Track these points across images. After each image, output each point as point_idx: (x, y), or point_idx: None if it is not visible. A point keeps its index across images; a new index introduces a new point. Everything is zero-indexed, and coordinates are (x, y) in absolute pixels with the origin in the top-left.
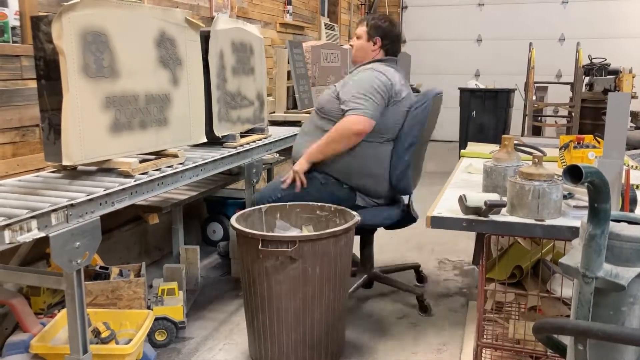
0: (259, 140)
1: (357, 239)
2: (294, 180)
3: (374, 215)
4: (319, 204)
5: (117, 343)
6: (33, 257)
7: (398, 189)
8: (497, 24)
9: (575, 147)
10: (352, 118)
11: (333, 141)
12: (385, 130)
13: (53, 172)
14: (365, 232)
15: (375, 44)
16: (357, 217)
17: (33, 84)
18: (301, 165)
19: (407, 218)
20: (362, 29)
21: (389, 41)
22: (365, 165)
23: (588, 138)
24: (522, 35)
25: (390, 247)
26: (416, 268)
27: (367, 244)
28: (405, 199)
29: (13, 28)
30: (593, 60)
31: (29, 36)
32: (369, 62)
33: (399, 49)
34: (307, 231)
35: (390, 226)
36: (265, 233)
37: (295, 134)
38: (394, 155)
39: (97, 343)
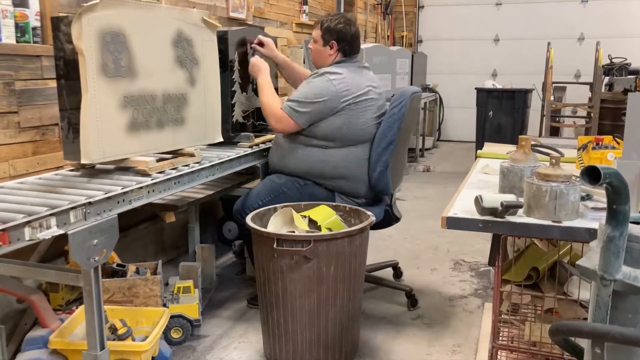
0: (274, 139)
1: None
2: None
3: None
4: (334, 203)
5: (133, 340)
6: (52, 254)
7: (377, 189)
8: (515, 23)
9: (594, 148)
10: (279, 113)
11: (265, 105)
12: (353, 137)
13: (72, 170)
14: None
15: (331, 47)
16: (372, 217)
17: (53, 84)
18: (260, 69)
19: (389, 218)
20: (317, 33)
21: (345, 43)
22: (338, 167)
23: (607, 139)
24: (540, 34)
25: (404, 247)
26: (394, 265)
27: None
28: (388, 198)
29: (34, 28)
30: (613, 60)
31: (49, 37)
32: (328, 66)
33: (357, 48)
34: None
35: (373, 226)
36: (280, 232)
37: None
38: (372, 155)
39: (114, 340)
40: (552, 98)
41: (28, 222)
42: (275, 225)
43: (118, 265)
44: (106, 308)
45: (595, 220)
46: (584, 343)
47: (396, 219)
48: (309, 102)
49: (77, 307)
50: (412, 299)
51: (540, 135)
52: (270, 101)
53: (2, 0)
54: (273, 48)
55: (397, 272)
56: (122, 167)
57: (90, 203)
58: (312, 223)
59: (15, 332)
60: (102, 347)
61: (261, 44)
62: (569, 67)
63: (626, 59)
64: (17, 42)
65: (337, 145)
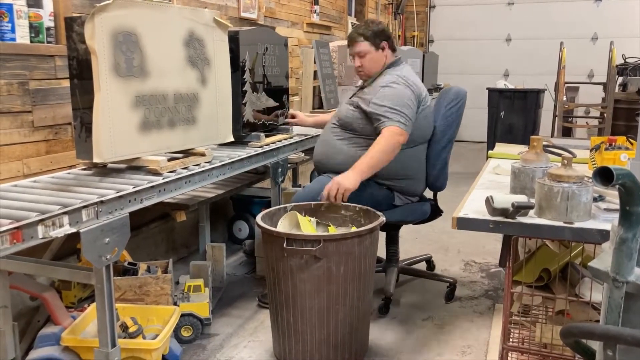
0: (284, 139)
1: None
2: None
3: (412, 211)
4: (344, 203)
5: (144, 338)
6: (64, 252)
7: (435, 186)
8: (527, 23)
9: (606, 149)
10: (396, 130)
11: (385, 154)
12: (422, 135)
13: (84, 169)
14: (393, 229)
15: (383, 49)
16: (382, 217)
17: (66, 83)
18: (353, 183)
19: (435, 212)
20: (363, 46)
21: (390, 38)
22: (406, 167)
23: (620, 139)
24: (553, 34)
25: (415, 248)
26: (428, 259)
27: (393, 241)
28: (431, 194)
29: (47, 29)
30: (627, 60)
31: (62, 37)
32: (385, 69)
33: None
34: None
35: (421, 220)
36: (290, 232)
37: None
38: (431, 154)
39: (125, 337)
40: (564, 98)
41: (41, 221)
42: (283, 228)
43: (129, 263)
44: (117, 306)
45: (607, 222)
46: (595, 345)
47: (440, 213)
48: (405, 109)
49: (89, 305)
50: (451, 292)
51: (552, 135)
52: (380, 149)
53: (17, 1)
54: (301, 116)
55: (430, 265)
56: (133, 166)
57: (102, 202)
58: (322, 225)
59: (28, 329)
60: (114, 345)
61: (293, 117)
62: (582, 67)
63: None
64: (31, 42)
65: (405, 146)
